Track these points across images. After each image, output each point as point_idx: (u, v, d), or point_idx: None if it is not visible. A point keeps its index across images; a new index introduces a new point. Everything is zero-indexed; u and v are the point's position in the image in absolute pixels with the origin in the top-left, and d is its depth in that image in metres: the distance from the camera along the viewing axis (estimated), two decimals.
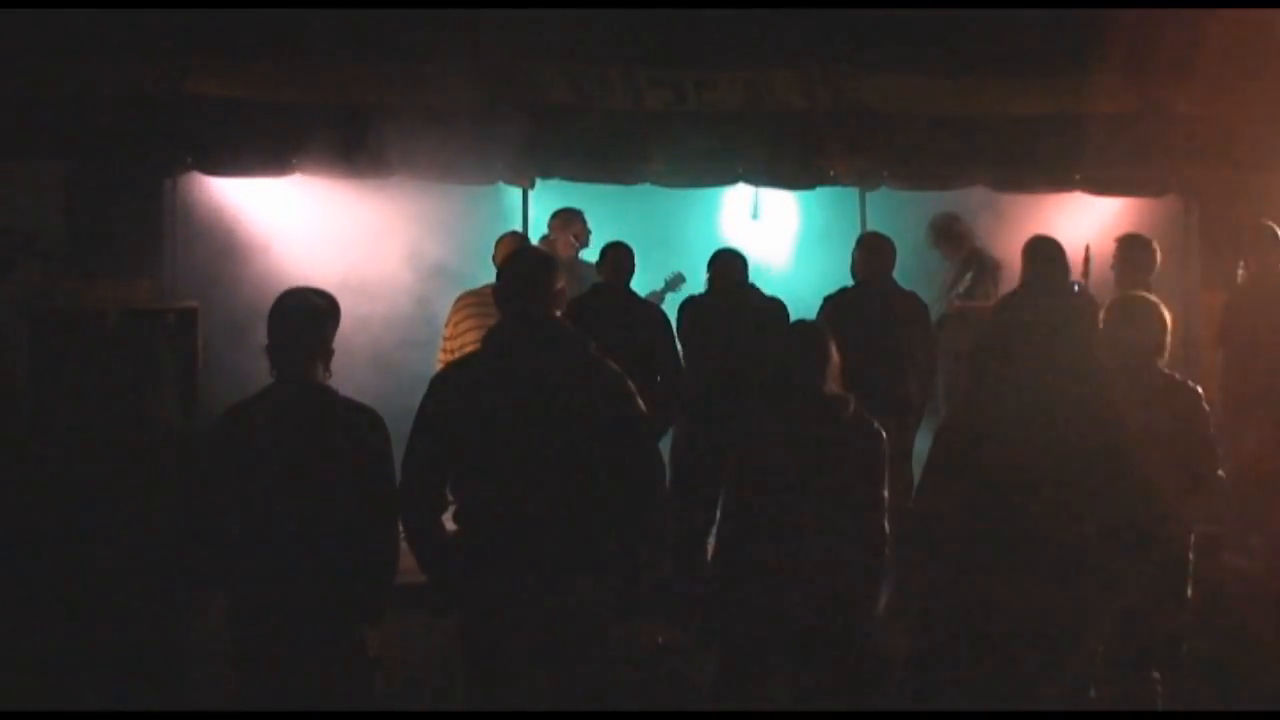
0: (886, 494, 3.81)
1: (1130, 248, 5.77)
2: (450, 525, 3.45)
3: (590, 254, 6.81)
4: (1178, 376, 4.15)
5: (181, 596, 3.39)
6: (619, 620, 3.45)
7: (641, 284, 6.28)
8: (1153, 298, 4.19)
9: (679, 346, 5.92)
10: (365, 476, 3.40)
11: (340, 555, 3.34)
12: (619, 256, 5.97)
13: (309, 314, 3.49)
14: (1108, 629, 3.67)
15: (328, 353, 3.46)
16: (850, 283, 6.02)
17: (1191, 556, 4.13)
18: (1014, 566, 3.49)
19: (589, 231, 6.71)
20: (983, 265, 7.05)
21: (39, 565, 3.22)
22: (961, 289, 6.96)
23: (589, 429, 3.32)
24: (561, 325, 3.45)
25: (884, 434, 3.82)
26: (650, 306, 6.14)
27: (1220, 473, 4.08)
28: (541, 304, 3.39)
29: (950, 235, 7.12)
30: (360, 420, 3.45)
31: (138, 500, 3.26)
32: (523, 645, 3.33)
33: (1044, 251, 5.71)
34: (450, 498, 3.43)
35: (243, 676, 3.42)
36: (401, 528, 3.45)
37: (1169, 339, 4.08)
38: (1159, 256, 5.72)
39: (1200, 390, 4.13)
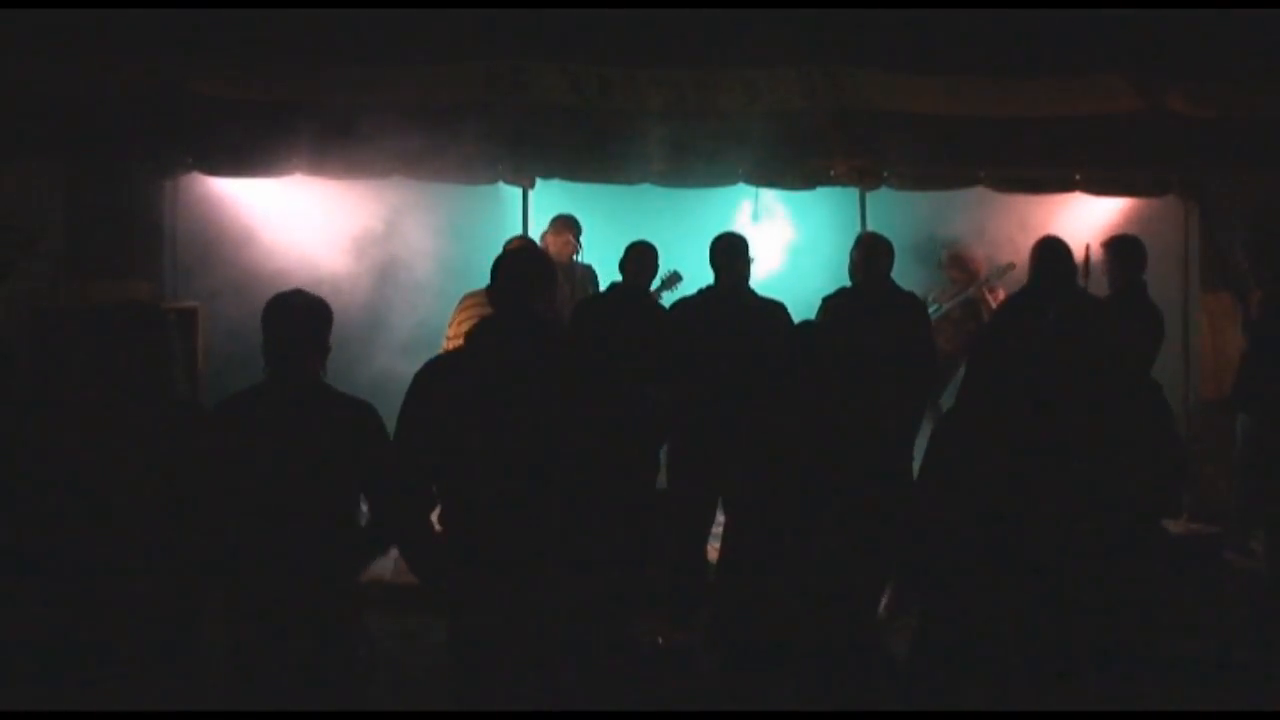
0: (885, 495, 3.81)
1: (1119, 248, 5.79)
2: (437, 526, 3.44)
3: (587, 256, 6.83)
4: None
5: (192, 598, 3.39)
6: (612, 619, 3.43)
7: None
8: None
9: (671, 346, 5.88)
10: (360, 471, 3.38)
11: (334, 549, 3.34)
12: (642, 256, 5.88)
13: (311, 310, 3.48)
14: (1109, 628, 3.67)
15: (326, 349, 3.45)
16: (848, 284, 6.02)
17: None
18: (1014, 566, 3.48)
19: (578, 243, 6.70)
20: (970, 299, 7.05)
21: (38, 560, 3.22)
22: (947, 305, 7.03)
23: (578, 427, 3.27)
24: (552, 322, 3.43)
25: (880, 435, 3.82)
26: (660, 309, 6.09)
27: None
28: (534, 301, 3.37)
29: (965, 265, 7.15)
30: (356, 415, 3.42)
31: (140, 496, 3.25)
32: (511, 645, 3.30)
33: (1051, 252, 5.72)
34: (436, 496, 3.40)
35: (237, 667, 3.43)
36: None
37: None
38: (1147, 254, 5.75)
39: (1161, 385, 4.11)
